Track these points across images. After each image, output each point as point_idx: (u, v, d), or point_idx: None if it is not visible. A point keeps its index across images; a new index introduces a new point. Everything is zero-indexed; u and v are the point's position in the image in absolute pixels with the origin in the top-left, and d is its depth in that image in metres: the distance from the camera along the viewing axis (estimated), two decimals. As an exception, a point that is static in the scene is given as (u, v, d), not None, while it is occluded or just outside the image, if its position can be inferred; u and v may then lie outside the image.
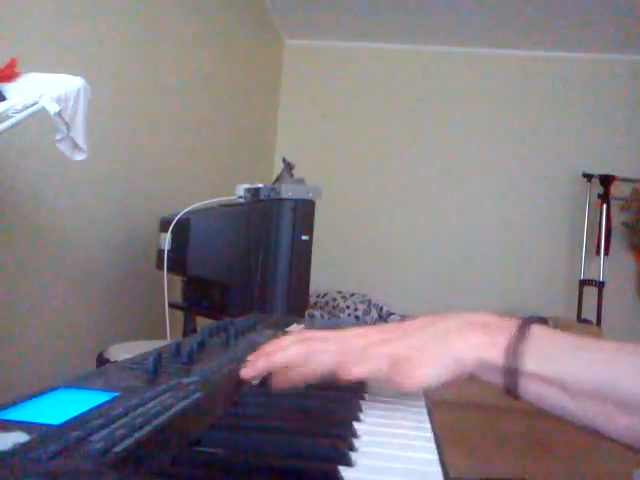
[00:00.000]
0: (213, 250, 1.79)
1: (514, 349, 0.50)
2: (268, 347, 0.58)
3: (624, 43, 4.04)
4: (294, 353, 0.55)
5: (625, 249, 4.18)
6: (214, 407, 0.47)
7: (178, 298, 2.08)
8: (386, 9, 3.80)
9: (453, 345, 0.52)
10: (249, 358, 0.57)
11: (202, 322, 1.83)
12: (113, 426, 0.35)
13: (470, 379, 0.53)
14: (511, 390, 0.51)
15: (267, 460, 0.38)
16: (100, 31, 1.85)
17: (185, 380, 0.49)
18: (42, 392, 0.42)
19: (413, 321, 0.57)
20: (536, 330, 0.51)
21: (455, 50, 4.38)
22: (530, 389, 0.50)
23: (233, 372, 0.56)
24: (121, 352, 1.30)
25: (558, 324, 3.71)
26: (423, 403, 0.59)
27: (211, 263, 1.78)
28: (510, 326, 0.52)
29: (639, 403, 0.46)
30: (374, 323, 3.79)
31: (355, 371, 0.53)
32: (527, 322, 0.52)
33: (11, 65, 1.03)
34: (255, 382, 0.57)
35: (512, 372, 0.50)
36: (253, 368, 0.55)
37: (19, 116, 0.93)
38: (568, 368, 0.49)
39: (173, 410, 0.41)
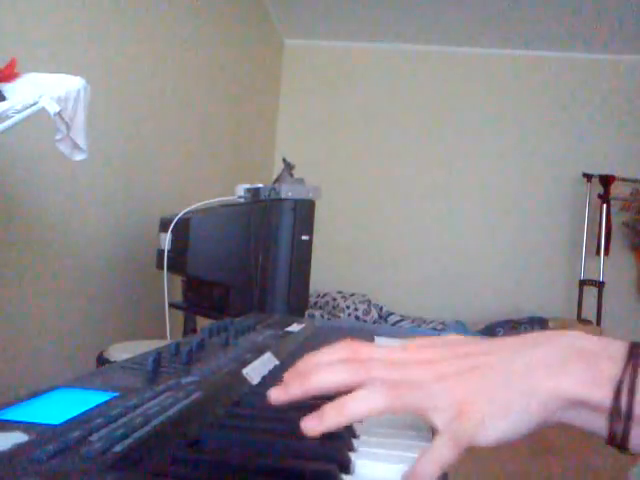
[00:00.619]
0: (213, 250, 1.78)
1: (624, 385, 0.39)
2: (305, 363, 0.47)
3: (624, 43, 4.04)
4: (339, 381, 0.44)
5: (625, 249, 4.18)
6: (213, 407, 0.47)
7: (178, 298, 2.08)
8: (386, 9, 3.80)
9: (543, 386, 0.41)
10: (285, 376, 0.47)
11: (202, 322, 1.83)
12: (112, 426, 0.36)
13: None
14: (619, 439, 0.40)
15: (266, 460, 0.38)
16: (100, 31, 1.85)
17: (184, 380, 0.49)
18: (42, 392, 0.42)
19: (491, 345, 0.45)
20: None
21: (455, 50, 4.38)
22: None
23: (233, 372, 0.56)
24: (121, 352, 1.30)
25: (558, 324, 3.71)
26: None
27: (211, 263, 1.78)
28: (618, 352, 0.41)
29: None
30: (374, 323, 3.80)
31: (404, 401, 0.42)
32: (637, 346, 0.41)
33: (11, 65, 1.03)
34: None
35: (623, 416, 0.39)
36: (285, 393, 0.45)
37: (19, 116, 0.93)
38: None
39: (172, 410, 0.41)
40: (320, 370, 0.45)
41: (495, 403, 0.41)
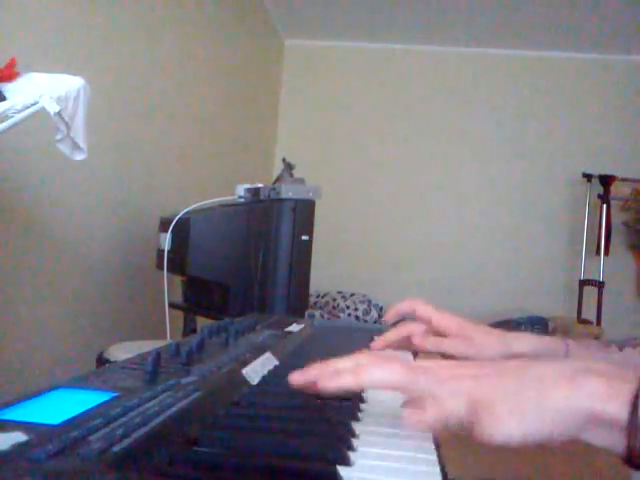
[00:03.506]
0: (213, 250, 1.79)
1: None
2: (342, 363, 0.48)
3: (624, 43, 4.04)
4: (390, 380, 0.46)
5: (625, 249, 4.18)
6: (213, 407, 0.47)
7: (178, 298, 2.08)
8: (386, 9, 3.80)
9: (555, 393, 0.41)
10: (312, 369, 0.48)
11: (202, 322, 1.83)
12: (112, 426, 0.36)
13: None
14: (634, 456, 0.39)
15: (266, 460, 0.38)
16: (100, 32, 1.85)
17: (184, 380, 0.49)
18: (42, 392, 0.42)
19: (519, 360, 0.47)
20: None
21: (455, 50, 4.38)
22: None
23: (233, 372, 0.56)
24: (121, 352, 1.30)
25: (558, 324, 3.71)
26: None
27: (211, 263, 1.78)
28: (632, 374, 0.41)
29: None
30: (374, 323, 3.80)
31: (428, 414, 0.43)
32: None
33: (11, 65, 1.03)
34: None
35: (638, 432, 0.39)
36: (336, 382, 0.46)
37: (19, 116, 0.93)
38: None
39: (172, 410, 0.41)
40: (370, 367, 0.46)
41: (509, 406, 0.42)
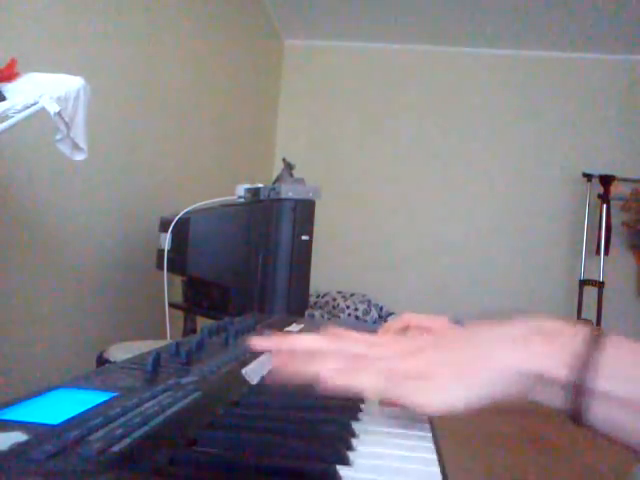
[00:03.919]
0: (213, 250, 1.79)
1: (585, 361, 0.40)
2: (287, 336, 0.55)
3: (624, 43, 4.04)
4: (319, 345, 0.50)
5: (625, 249, 4.18)
6: (213, 407, 0.47)
7: (178, 298, 2.08)
8: (386, 9, 3.80)
9: (503, 357, 0.42)
10: (264, 335, 0.54)
11: (202, 322, 1.83)
12: (111, 426, 0.36)
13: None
14: (577, 413, 0.41)
15: (266, 460, 0.38)
16: (100, 31, 1.85)
17: (184, 380, 0.49)
18: (41, 392, 0.42)
19: (463, 328, 0.49)
20: (611, 339, 0.41)
21: (455, 50, 4.38)
22: (602, 413, 0.40)
23: (233, 372, 0.56)
24: (121, 352, 1.30)
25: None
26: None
27: (211, 263, 1.78)
28: (581, 333, 0.42)
29: None
30: (374, 323, 3.80)
31: (342, 383, 0.45)
32: (598, 329, 0.43)
33: (11, 65, 1.03)
34: (254, 382, 0.56)
35: (580, 391, 0.40)
36: (267, 342, 0.53)
37: (19, 116, 0.93)
38: None
39: (171, 410, 0.41)
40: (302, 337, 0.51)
41: (457, 371, 0.43)
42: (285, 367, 0.49)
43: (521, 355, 0.42)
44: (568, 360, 0.41)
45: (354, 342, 0.50)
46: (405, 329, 0.74)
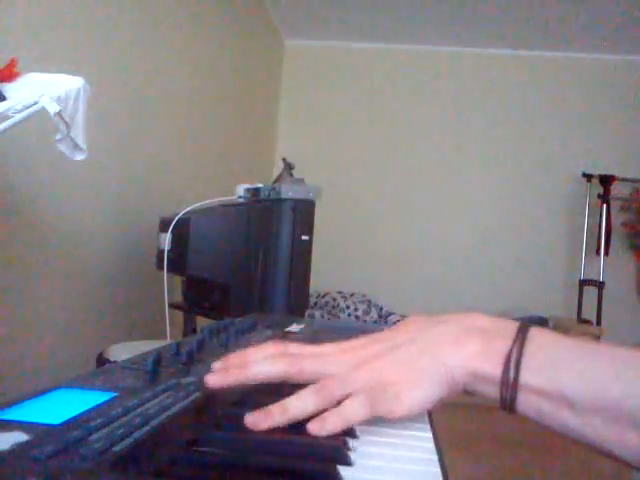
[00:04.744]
0: (213, 250, 1.78)
1: (512, 359, 0.44)
2: (238, 357, 0.52)
3: (624, 43, 4.04)
4: (276, 372, 0.49)
5: (625, 249, 4.18)
6: (213, 407, 0.47)
7: (178, 298, 2.08)
8: (386, 9, 3.80)
9: (445, 358, 0.47)
10: (215, 366, 0.51)
11: (202, 322, 1.83)
12: (112, 426, 0.36)
13: None
14: (508, 405, 0.45)
15: (266, 460, 0.38)
16: (100, 32, 1.85)
17: (184, 380, 0.49)
18: (42, 392, 0.42)
19: (405, 327, 0.51)
20: (536, 335, 0.46)
21: (455, 50, 4.38)
22: (529, 404, 0.45)
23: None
24: (121, 352, 1.30)
25: (558, 324, 3.71)
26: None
27: (211, 263, 1.78)
28: (510, 331, 0.46)
29: None
30: (374, 323, 3.80)
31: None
32: (526, 326, 0.47)
33: (11, 65, 1.03)
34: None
35: (510, 385, 0.44)
36: (223, 378, 0.49)
37: (19, 116, 0.93)
38: (573, 381, 0.43)
39: (172, 410, 0.41)
40: (258, 362, 0.50)
41: (407, 376, 0.47)
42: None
43: (460, 355, 0.46)
44: (496, 358, 0.45)
45: (309, 360, 0.50)
46: None
